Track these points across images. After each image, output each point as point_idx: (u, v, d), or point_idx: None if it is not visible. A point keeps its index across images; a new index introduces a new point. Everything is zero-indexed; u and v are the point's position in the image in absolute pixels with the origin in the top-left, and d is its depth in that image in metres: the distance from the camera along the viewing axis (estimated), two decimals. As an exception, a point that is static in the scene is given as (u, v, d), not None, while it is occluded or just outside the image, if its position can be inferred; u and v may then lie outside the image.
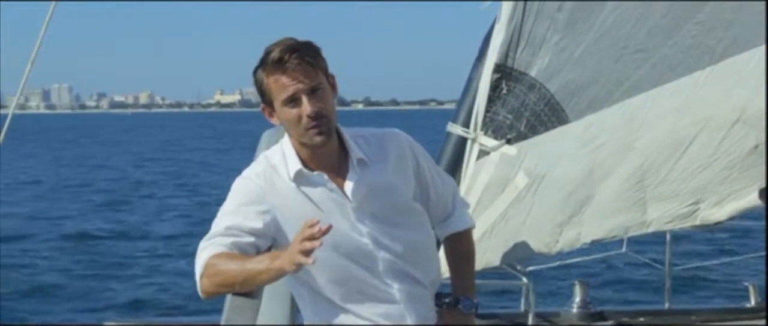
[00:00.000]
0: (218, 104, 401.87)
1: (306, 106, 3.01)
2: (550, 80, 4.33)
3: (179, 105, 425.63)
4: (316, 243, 2.74)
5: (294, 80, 3.00)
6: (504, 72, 4.36)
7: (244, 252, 3.04)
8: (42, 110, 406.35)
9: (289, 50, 3.01)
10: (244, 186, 3.14)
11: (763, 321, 5.04)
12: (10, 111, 4.61)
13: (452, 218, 3.36)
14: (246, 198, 3.11)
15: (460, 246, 3.39)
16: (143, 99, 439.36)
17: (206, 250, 3.05)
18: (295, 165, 3.09)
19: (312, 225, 2.76)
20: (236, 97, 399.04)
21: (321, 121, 3.02)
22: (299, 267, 2.81)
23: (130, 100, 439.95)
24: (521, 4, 4.34)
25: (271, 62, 3.02)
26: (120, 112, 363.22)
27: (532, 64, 4.35)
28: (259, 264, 2.93)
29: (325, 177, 3.09)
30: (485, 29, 4.52)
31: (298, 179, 3.09)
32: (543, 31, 4.33)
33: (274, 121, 3.12)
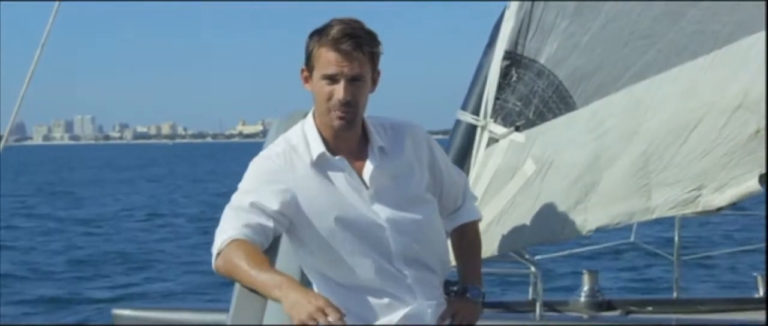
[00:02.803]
0: (241, 135, 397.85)
1: (339, 91, 3.05)
2: (559, 67, 4.32)
3: (202, 135, 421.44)
4: None
5: (341, 62, 3.04)
6: (514, 59, 4.36)
7: (262, 233, 3.05)
8: (66, 141, 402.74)
9: (348, 35, 3.03)
10: (263, 165, 3.16)
11: None
12: (13, 112, 4.66)
13: (461, 210, 3.42)
14: (265, 177, 3.12)
15: (467, 236, 3.44)
16: (166, 129, 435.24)
17: (228, 231, 3.04)
18: (318, 147, 3.13)
19: None
20: (259, 128, 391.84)
21: (347, 109, 3.07)
22: None
23: (153, 131, 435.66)
24: (531, -9, 4.36)
25: (328, 37, 3.05)
26: (153, 142, 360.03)
27: (542, 51, 4.35)
28: (264, 282, 2.92)
29: (346, 162, 3.13)
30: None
31: (320, 162, 3.12)
32: (552, 18, 4.33)
33: (306, 87, 3.15)
